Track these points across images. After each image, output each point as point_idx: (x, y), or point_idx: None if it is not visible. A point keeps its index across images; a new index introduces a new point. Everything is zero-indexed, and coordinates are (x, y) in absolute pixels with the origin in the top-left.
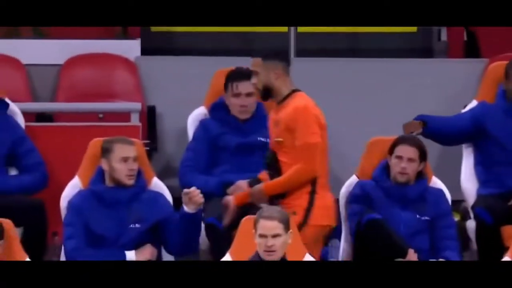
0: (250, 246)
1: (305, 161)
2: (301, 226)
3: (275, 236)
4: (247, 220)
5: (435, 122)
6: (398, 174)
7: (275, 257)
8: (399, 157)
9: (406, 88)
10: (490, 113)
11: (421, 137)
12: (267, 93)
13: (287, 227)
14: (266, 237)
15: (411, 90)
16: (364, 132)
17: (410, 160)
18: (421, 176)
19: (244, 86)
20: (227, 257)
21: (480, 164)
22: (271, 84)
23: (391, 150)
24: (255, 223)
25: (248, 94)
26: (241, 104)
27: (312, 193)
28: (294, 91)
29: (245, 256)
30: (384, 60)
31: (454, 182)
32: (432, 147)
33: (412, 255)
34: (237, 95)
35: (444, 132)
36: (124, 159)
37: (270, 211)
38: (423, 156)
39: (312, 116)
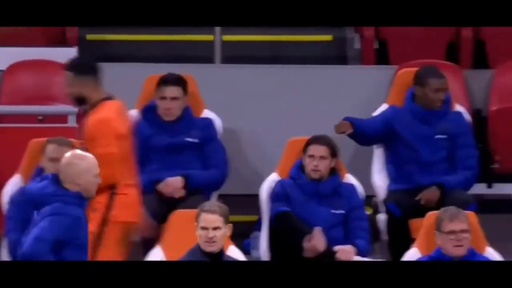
0: (181, 238)
1: (103, 169)
2: (103, 223)
3: (215, 228)
4: (176, 214)
5: (359, 124)
6: (311, 172)
7: (215, 247)
8: (312, 156)
9: (323, 93)
10: (399, 115)
11: (342, 137)
12: (80, 101)
13: (227, 221)
14: (207, 229)
15: (327, 95)
16: (285, 133)
17: (321, 158)
18: (334, 173)
19: (169, 91)
20: (157, 250)
21: (391, 163)
22: (83, 94)
23: (304, 150)
24: (197, 217)
25: (173, 98)
26: (166, 107)
27: (112, 193)
28: (104, 99)
29: (176, 247)
30: (303, 66)
31: (366, 179)
32: (346, 147)
33: (317, 234)
34: (163, 98)
35: (365, 133)
36: (52, 160)
37: (211, 205)
38: (333, 153)
39: (110, 128)
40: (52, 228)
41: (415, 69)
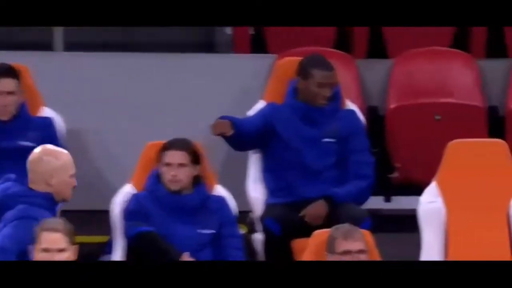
0: None
1: None
2: None
3: (60, 250)
4: None
5: (239, 124)
6: (169, 182)
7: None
8: (169, 164)
9: (187, 87)
10: (279, 114)
11: (211, 141)
12: None
13: (72, 241)
14: (50, 251)
15: (192, 89)
16: (141, 135)
17: (180, 165)
18: (199, 183)
19: (4, 84)
20: None
21: (269, 171)
22: None
23: (160, 157)
24: (37, 237)
25: (9, 93)
26: (1, 103)
27: None
28: None
29: None
30: (161, 55)
31: (239, 191)
32: (215, 152)
33: (187, 259)
34: None
35: (245, 135)
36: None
37: (53, 223)
38: (195, 160)
39: None
40: (17, 236)
41: (298, 58)
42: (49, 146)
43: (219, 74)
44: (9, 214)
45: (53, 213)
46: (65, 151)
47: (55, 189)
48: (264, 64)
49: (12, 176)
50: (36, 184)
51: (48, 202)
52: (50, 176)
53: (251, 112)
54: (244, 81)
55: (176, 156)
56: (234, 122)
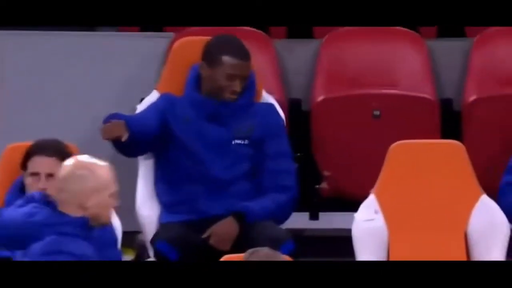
0: None
1: None
2: None
3: None
4: None
5: (134, 124)
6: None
7: None
8: (35, 174)
9: (58, 73)
10: (177, 109)
11: (89, 143)
12: None
13: None
14: None
15: (66, 76)
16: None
17: (49, 176)
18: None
19: None
20: None
21: (164, 181)
22: None
23: (23, 165)
24: None
25: None
26: None
27: None
28: None
29: None
30: (23, 33)
31: (126, 207)
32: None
33: None
34: None
35: (140, 137)
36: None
37: None
38: None
39: None
40: None
41: (203, 38)
42: (84, 158)
43: (100, 58)
44: (36, 249)
45: (89, 242)
46: (103, 163)
47: (91, 212)
48: (158, 46)
49: (36, 195)
50: (68, 206)
51: (83, 230)
52: (86, 196)
53: (141, 106)
54: (132, 67)
55: (45, 164)
56: (128, 122)
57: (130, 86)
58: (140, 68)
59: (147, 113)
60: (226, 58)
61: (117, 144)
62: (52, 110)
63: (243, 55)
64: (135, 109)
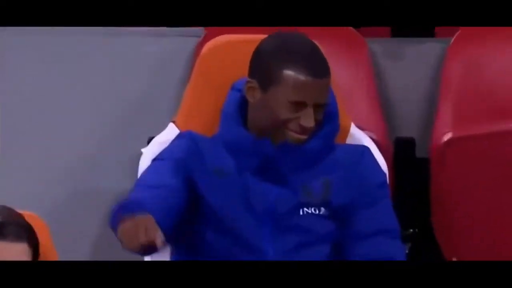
0: None
1: None
2: None
3: None
4: None
5: (159, 212)
6: None
7: None
8: None
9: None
10: (207, 158)
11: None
12: None
13: None
14: None
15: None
16: None
17: None
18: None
19: None
20: None
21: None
22: None
23: None
24: None
25: None
26: None
27: None
28: None
29: None
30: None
31: None
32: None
33: None
34: None
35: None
36: None
37: None
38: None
39: None
40: None
41: (253, 38)
42: None
43: (93, 66)
44: None
45: None
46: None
47: None
48: (178, 49)
49: None
50: None
51: None
52: None
53: (149, 151)
54: (136, 83)
55: None
56: (154, 215)
57: (133, 114)
58: (150, 86)
59: (165, 180)
60: (290, 74)
61: (147, 252)
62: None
63: (319, 67)
64: (137, 155)
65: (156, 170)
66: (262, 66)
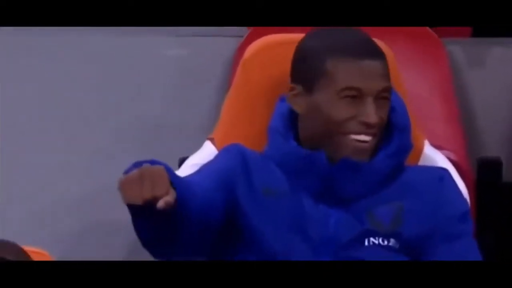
0: None
1: None
2: None
3: None
4: None
5: (181, 185)
6: None
7: None
8: None
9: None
10: (254, 175)
11: None
12: None
13: None
14: None
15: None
16: None
17: None
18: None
19: None
20: None
21: None
22: None
23: None
24: None
25: None
26: None
27: None
28: None
29: None
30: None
31: None
32: None
33: None
34: None
35: (190, 215)
36: None
37: None
38: None
39: None
40: None
41: (294, 36)
42: None
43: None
44: None
45: None
46: None
47: None
48: (217, 51)
49: None
50: None
51: None
52: None
53: (188, 169)
54: (164, 91)
55: None
56: (173, 180)
57: (158, 131)
58: (178, 98)
59: (203, 179)
60: (335, 61)
61: (148, 214)
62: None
63: (368, 48)
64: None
65: (193, 173)
66: (303, 66)
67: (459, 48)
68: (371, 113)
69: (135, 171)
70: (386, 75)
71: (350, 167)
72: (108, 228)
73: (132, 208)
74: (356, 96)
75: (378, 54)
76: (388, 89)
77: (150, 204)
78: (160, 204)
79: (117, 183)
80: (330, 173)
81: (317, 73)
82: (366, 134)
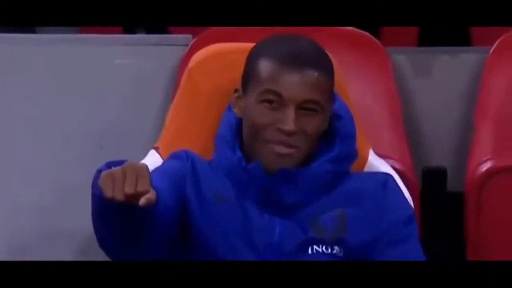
0: None
1: None
2: None
3: None
4: None
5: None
6: None
7: None
8: None
9: None
10: (202, 182)
11: None
12: None
13: None
14: None
15: None
16: None
17: None
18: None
19: None
20: None
21: None
22: None
23: None
24: None
25: None
26: None
27: None
28: None
29: None
30: None
31: None
32: None
33: None
34: None
35: (159, 214)
36: None
37: None
38: None
39: None
40: None
41: (240, 45)
42: None
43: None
44: None
45: None
46: None
47: None
48: (162, 60)
49: None
50: None
51: None
52: None
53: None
54: (109, 100)
55: None
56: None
57: (104, 140)
58: (124, 106)
59: (155, 181)
60: (263, 63)
61: (122, 212)
62: None
63: (303, 56)
64: None
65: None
66: (244, 69)
67: (405, 57)
68: (288, 121)
69: (118, 167)
70: (318, 88)
71: (286, 175)
72: (67, 233)
73: (106, 205)
74: (275, 101)
75: (316, 65)
76: (314, 102)
77: (130, 201)
78: (142, 201)
79: (101, 178)
80: (269, 184)
81: (250, 75)
82: (286, 145)
